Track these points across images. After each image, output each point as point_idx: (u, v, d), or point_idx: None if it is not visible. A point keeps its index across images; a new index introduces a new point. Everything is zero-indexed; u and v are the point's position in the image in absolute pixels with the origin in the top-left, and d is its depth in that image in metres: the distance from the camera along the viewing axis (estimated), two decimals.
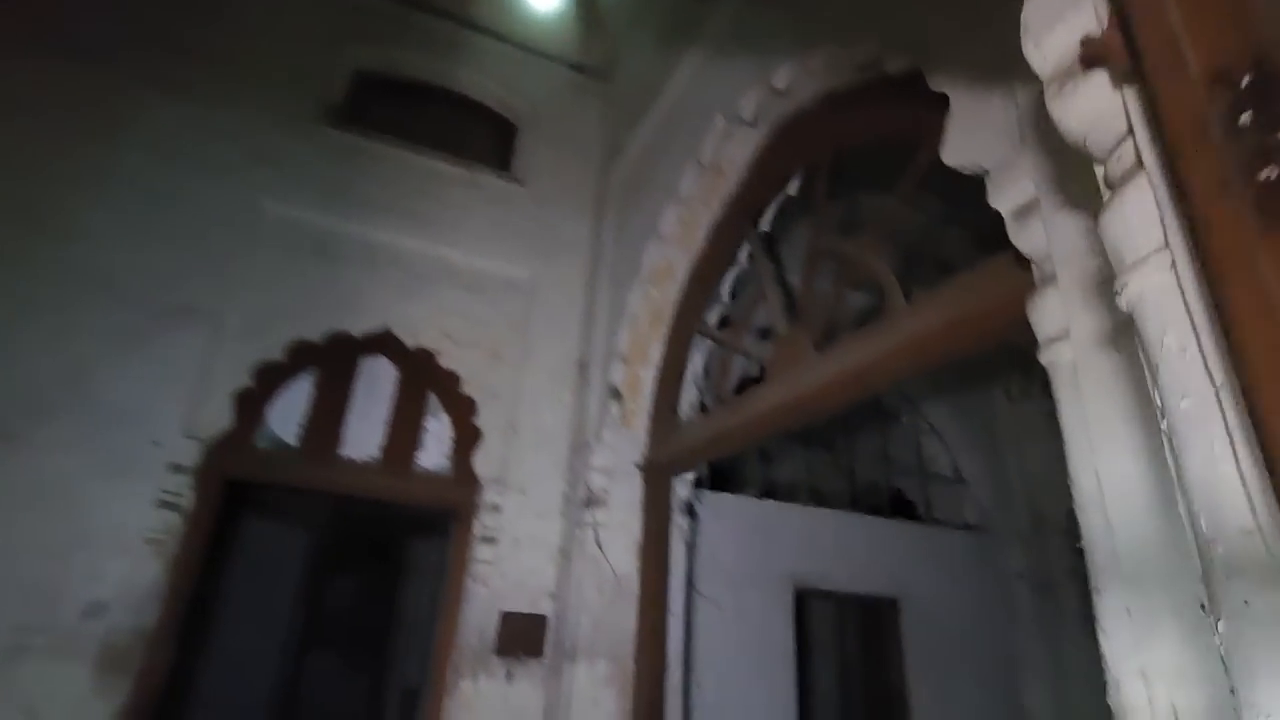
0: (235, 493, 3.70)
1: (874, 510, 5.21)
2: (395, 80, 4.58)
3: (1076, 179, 1.25)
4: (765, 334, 4.18)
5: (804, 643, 4.63)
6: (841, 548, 4.67)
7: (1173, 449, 0.63)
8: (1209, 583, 0.58)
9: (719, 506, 4.30)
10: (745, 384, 3.90)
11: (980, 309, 1.72)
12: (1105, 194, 0.77)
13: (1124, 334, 1.10)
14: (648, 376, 3.77)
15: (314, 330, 3.64)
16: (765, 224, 3.39)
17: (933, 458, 5.59)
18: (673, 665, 3.33)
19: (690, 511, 3.74)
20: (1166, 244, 0.63)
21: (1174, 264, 0.62)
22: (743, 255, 3.58)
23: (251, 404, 3.47)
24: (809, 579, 4.48)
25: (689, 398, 3.76)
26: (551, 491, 3.85)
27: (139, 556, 2.95)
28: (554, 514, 3.81)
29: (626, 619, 3.33)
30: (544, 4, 4.73)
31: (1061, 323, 1.26)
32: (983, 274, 1.79)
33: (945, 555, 5.04)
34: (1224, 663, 0.58)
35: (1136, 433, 1.04)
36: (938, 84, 1.73)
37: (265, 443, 3.56)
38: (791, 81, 2.63)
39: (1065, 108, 0.76)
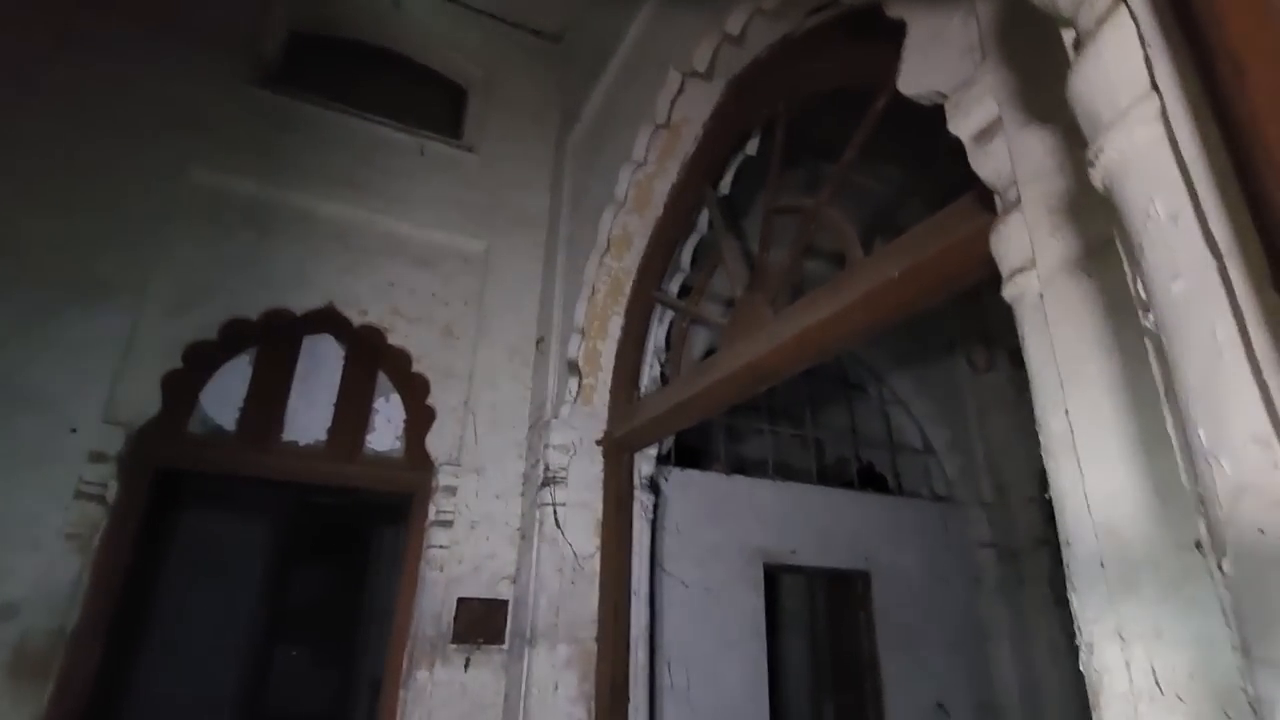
0: (172, 483, 3.48)
1: (844, 484, 5.16)
2: (334, 41, 4.32)
3: (1042, 88, 1.12)
4: (730, 303, 4.06)
5: (774, 618, 4.56)
6: (811, 522, 4.60)
7: (1159, 348, 0.50)
8: (1208, 510, 0.45)
9: (685, 483, 4.19)
10: (709, 356, 3.77)
11: (940, 252, 1.60)
12: (1074, 58, 0.63)
13: (1096, 256, 0.97)
14: (607, 350, 3.62)
15: (250, 307, 3.41)
16: (724, 186, 3.25)
17: (901, 430, 5.54)
18: (637, 646, 3.21)
19: (654, 488, 3.62)
20: (1154, 86, 0.50)
21: (1163, 110, 0.49)
22: (702, 221, 3.44)
23: (183, 387, 3.25)
24: (779, 554, 4.40)
25: (650, 371, 3.63)
26: (510, 471, 3.70)
27: (56, 552, 2.72)
28: (512, 495, 3.65)
29: (588, 600, 3.20)
30: None
31: (1026, 252, 1.14)
32: (942, 218, 1.66)
33: (914, 526, 5.00)
34: (1228, 613, 0.45)
35: (1113, 364, 0.92)
36: (895, 9, 1.58)
37: (200, 428, 3.34)
38: (746, 25, 2.48)
39: None
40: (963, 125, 1.31)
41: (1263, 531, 0.40)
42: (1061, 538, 1.02)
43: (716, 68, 2.83)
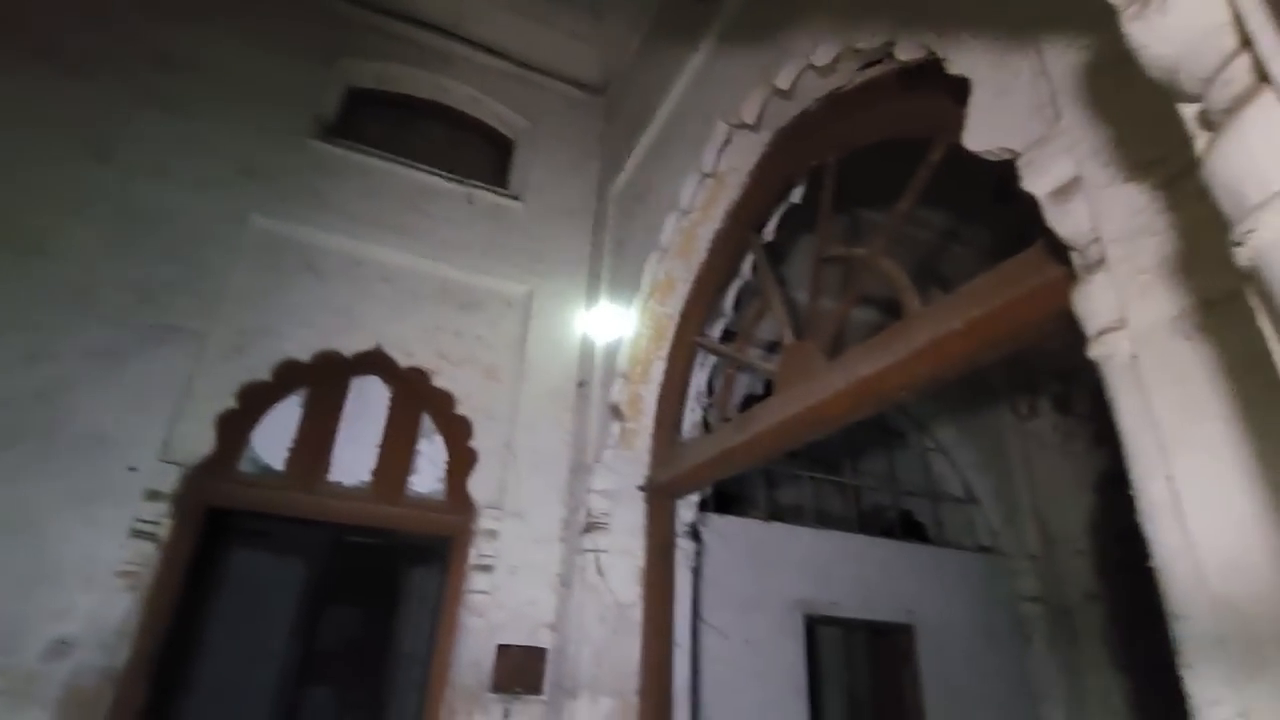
0: (219, 521, 3.53)
1: (882, 532, 5.03)
2: (389, 96, 4.52)
3: (1126, 149, 1.12)
4: (771, 347, 4.04)
5: (815, 671, 4.41)
6: (852, 571, 4.48)
7: None
8: None
9: (724, 530, 4.12)
10: (750, 401, 3.75)
11: (1008, 304, 1.58)
12: (1201, 138, 0.64)
13: (1201, 318, 0.96)
14: (649, 394, 3.62)
15: (302, 349, 3.50)
16: (769, 234, 3.28)
17: (942, 478, 5.42)
18: (679, 699, 3.12)
19: (695, 535, 3.57)
20: None
21: None
22: (745, 267, 3.46)
23: (235, 427, 3.32)
24: (819, 605, 4.28)
25: (692, 416, 3.61)
26: (550, 516, 3.68)
27: (109, 590, 2.76)
28: (553, 540, 3.63)
29: (630, 650, 3.13)
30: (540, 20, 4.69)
31: (1115, 311, 1.12)
32: (1009, 270, 1.65)
33: (958, 578, 4.84)
34: None
35: (1230, 429, 0.90)
36: (957, 65, 1.61)
37: (250, 468, 3.40)
38: (795, 80, 2.53)
39: (1150, 29, 0.64)
40: (1038, 183, 1.32)
41: None
42: (1170, 610, 0.98)
43: (764, 120, 2.89)
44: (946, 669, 4.50)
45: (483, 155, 4.65)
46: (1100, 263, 1.17)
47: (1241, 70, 0.57)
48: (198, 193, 3.51)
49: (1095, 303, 1.17)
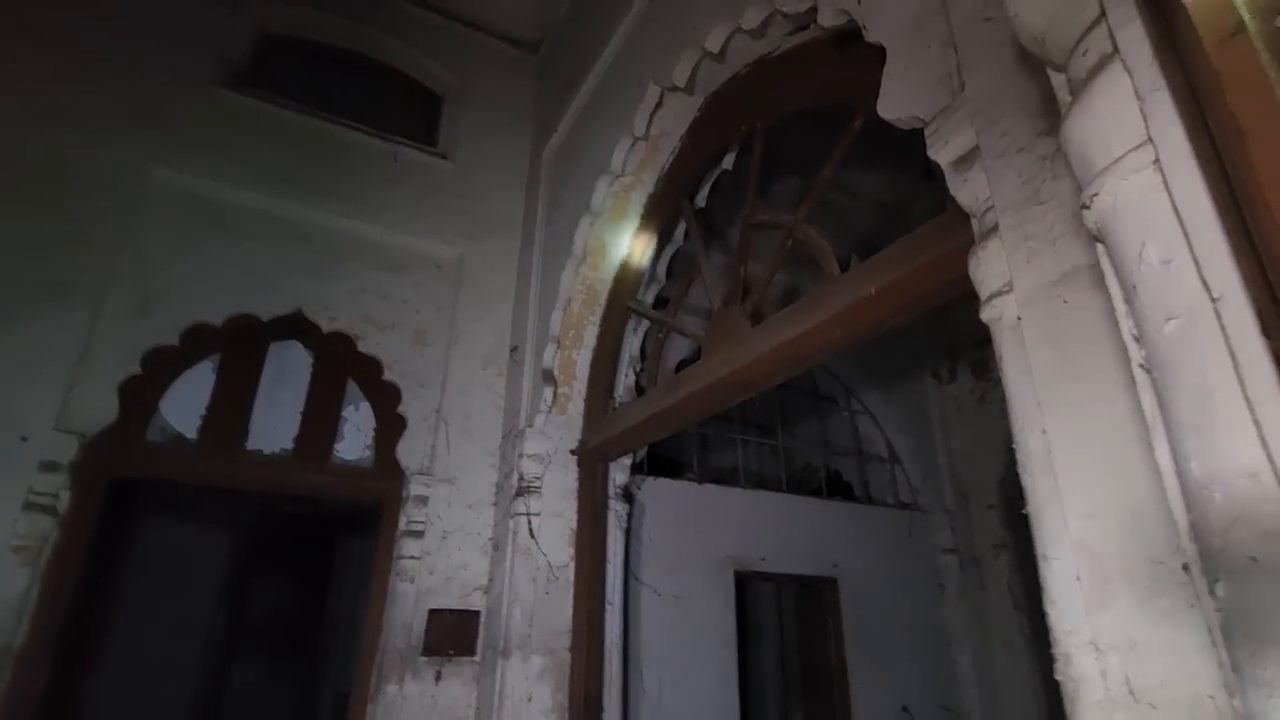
0: (131, 493, 3.36)
1: (813, 492, 5.24)
2: (306, 43, 4.24)
3: (1018, 121, 1.17)
4: (706, 315, 4.09)
5: (745, 626, 4.60)
6: (781, 529, 4.66)
7: (1154, 383, 0.53)
8: (1201, 538, 0.49)
9: (658, 492, 4.20)
10: (684, 366, 3.80)
11: (916, 270, 1.65)
12: (1065, 102, 0.67)
13: (1073, 281, 1.02)
14: (582, 360, 3.62)
15: (214, 313, 3.31)
16: (701, 200, 3.28)
17: (868, 440, 5.66)
18: (611, 655, 3.20)
19: (628, 497, 3.62)
20: (1148, 137, 0.53)
21: (1157, 159, 0.52)
22: (678, 232, 3.47)
23: (141, 394, 3.14)
24: (749, 562, 4.45)
25: (625, 381, 3.64)
26: (482, 481, 3.66)
27: (2, 566, 2.60)
28: (485, 504, 3.62)
29: (562, 610, 3.18)
30: None
31: (1003, 276, 1.18)
32: (919, 237, 1.72)
33: (880, 533, 5.11)
34: (1218, 634, 0.48)
35: (1089, 384, 0.97)
36: (874, 34, 1.63)
37: (159, 437, 3.23)
38: (726, 43, 2.52)
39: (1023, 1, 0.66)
40: (941, 152, 1.36)
41: (1254, 559, 0.43)
42: (1039, 552, 1.06)
43: (696, 83, 2.86)
44: (868, 618, 4.77)
45: (409, 111, 4.44)
46: (994, 229, 1.22)
47: (1100, 39, 0.60)
48: (89, 140, 3.23)
49: (988, 268, 1.23)
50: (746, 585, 5.10)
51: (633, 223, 3.48)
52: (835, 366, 5.47)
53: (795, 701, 5.31)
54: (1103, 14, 0.58)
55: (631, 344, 3.64)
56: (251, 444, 3.40)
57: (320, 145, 3.85)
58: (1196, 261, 0.48)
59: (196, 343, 3.28)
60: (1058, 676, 1.01)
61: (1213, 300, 0.46)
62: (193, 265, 3.32)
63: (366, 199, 3.86)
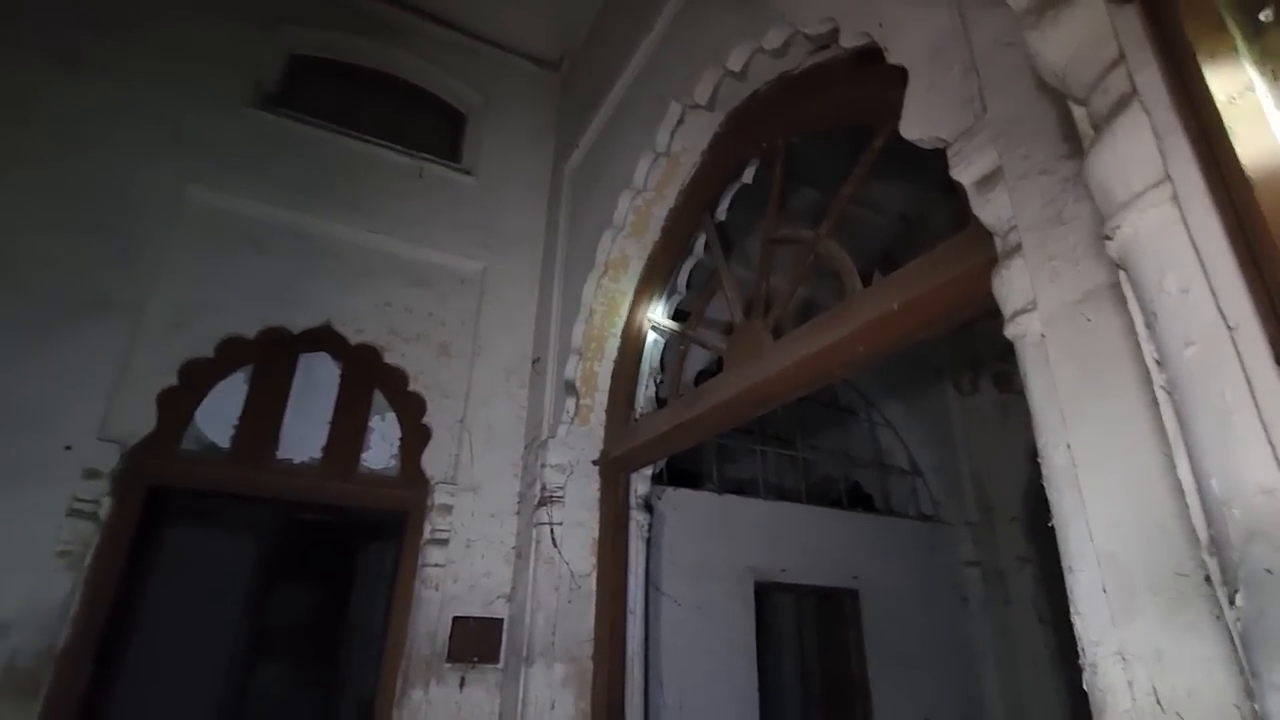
0: (164, 500, 3.45)
1: (833, 504, 5.23)
2: (335, 65, 4.37)
3: (1041, 144, 1.20)
4: (725, 329, 4.13)
5: (764, 636, 4.60)
6: (801, 540, 4.67)
7: (1175, 404, 0.57)
8: (1221, 551, 0.52)
9: (679, 502, 4.23)
10: (702, 378, 3.83)
11: (939, 287, 1.68)
12: (1088, 137, 0.70)
13: (1095, 300, 1.05)
14: (604, 371, 3.67)
15: (247, 326, 3.42)
16: (721, 213, 3.33)
17: (889, 452, 5.64)
18: (633, 664, 3.23)
19: (649, 508, 3.65)
20: (1167, 175, 0.57)
21: (1175, 195, 0.56)
22: (698, 245, 3.52)
23: (177, 405, 3.23)
24: (769, 572, 4.45)
25: (646, 392, 3.68)
26: (505, 491, 3.71)
27: (48, 570, 2.69)
28: (508, 514, 3.67)
29: (584, 619, 3.22)
30: None
31: (1027, 294, 1.21)
32: (941, 253, 1.75)
33: (901, 545, 5.08)
34: (1238, 641, 0.51)
35: (1112, 401, 1.00)
36: (896, 56, 1.67)
37: (194, 445, 3.32)
38: (747, 62, 2.57)
39: (1045, 38, 0.70)
40: (964, 172, 1.40)
41: (1270, 572, 0.46)
42: (1065, 563, 1.08)
43: (718, 100, 2.92)
44: (889, 630, 4.74)
45: (434, 128, 4.55)
46: (1017, 249, 1.26)
47: (1119, 80, 0.64)
48: (129, 161, 3.36)
49: (1011, 286, 1.26)
50: (766, 596, 5.11)
51: (653, 236, 3.54)
52: (855, 378, 5.47)
53: (815, 713, 5.28)
54: (1122, 56, 0.62)
55: (652, 356, 3.69)
56: (281, 453, 3.48)
57: (348, 162, 3.95)
58: (1214, 292, 0.51)
59: (230, 355, 3.37)
60: (1085, 687, 1.03)
61: (1229, 329, 0.50)
62: (227, 280, 3.42)
63: (393, 214, 3.95)
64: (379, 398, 3.79)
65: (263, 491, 3.48)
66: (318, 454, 3.56)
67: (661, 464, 4.04)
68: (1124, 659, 0.95)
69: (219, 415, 3.41)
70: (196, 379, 3.29)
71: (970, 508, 5.48)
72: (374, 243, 3.87)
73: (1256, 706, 0.47)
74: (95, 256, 3.14)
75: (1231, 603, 0.50)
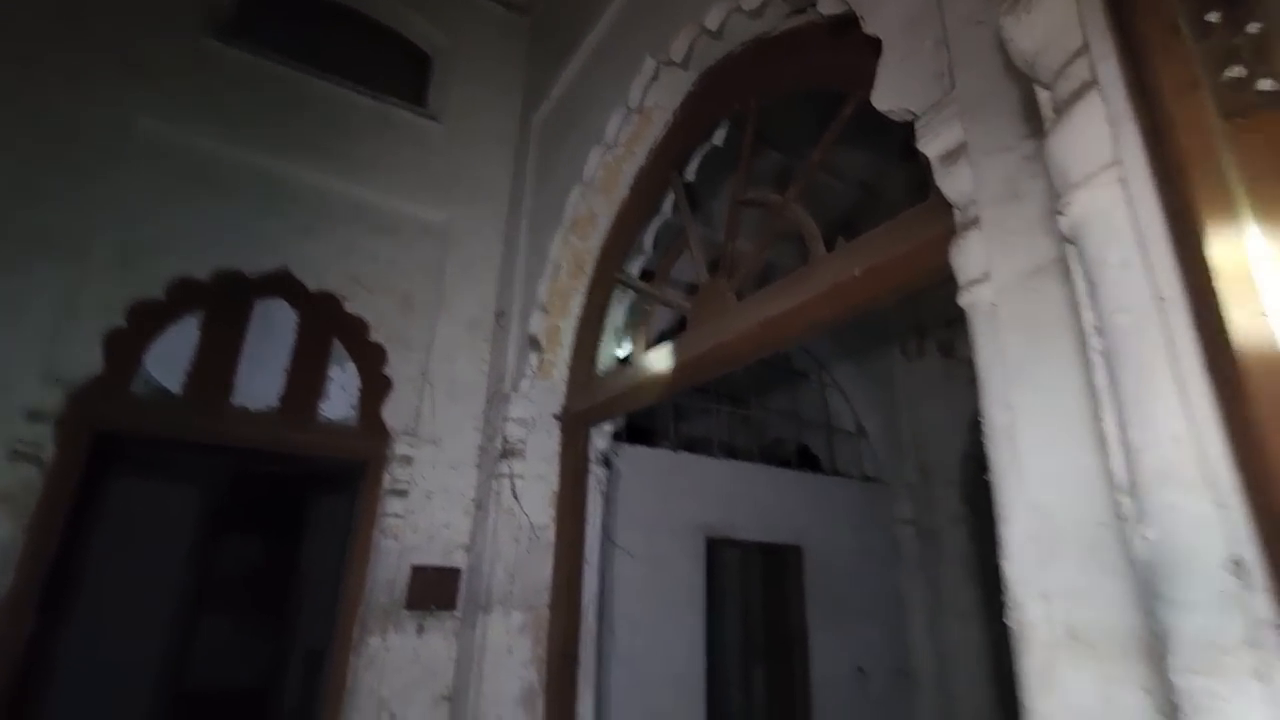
0: (112, 446, 3.36)
1: (782, 463, 5.43)
2: None
3: (1003, 122, 1.27)
4: (691, 289, 4.18)
5: (714, 590, 4.80)
6: (751, 498, 4.85)
7: (1107, 366, 0.64)
8: (1136, 491, 0.60)
9: (635, 458, 4.34)
10: (666, 337, 3.89)
11: (900, 255, 1.75)
12: (1049, 119, 0.76)
13: (1043, 274, 1.13)
14: (567, 327, 3.69)
15: (199, 268, 3.30)
16: (690, 173, 3.34)
17: (837, 414, 5.86)
18: (587, 612, 3.34)
19: (607, 462, 3.73)
20: (1117, 159, 0.63)
21: (1123, 178, 0.62)
22: (666, 205, 3.52)
23: (126, 346, 3.12)
24: (719, 528, 4.63)
25: (609, 349, 3.72)
26: (466, 443, 3.74)
27: None
28: (468, 466, 3.70)
29: (542, 569, 3.31)
30: None
31: (983, 265, 1.29)
32: (903, 222, 1.82)
33: (844, 505, 5.34)
34: (1145, 566, 0.60)
35: (1051, 366, 1.09)
36: (872, 26, 1.71)
37: (143, 390, 3.22)
38: (724, 21, 2.56)
39: (1020, 25, 0.75)
40: (930, 145, 1.46)
41: (1174, 507, 0.54)
42: (999, 514, 1.19)
43: (692, 58, 2.90)
44: (829, 585, 5.01)
45: (399, 70, 4.38)
46: (975, 222, 1.33)
47: (1082, 68, 0.70)
48: (71, 87, 3.15)
49: (968, 257, 1.34)
50: (716, 551, 5.31)
51: (622, 194, 3.53)
52: (809, 341, 5.62)
53: (758, 661, 5.57)
54: (1086, 46, 0.67)
55: (616, 314, 3.72)
56: (237, 400, 3.42)
57: (308, 102, 3.80)
58: (1149, 266, 0.58)
59: (182, 297, 3.26)
60: (1008, 621, 1.15)
61: (1160, 299, 0.57)
62: (178, 219, 3.28)
63: (355, 158, 3.83)
64: (339, 347, 3.73)
65: (217, 439, 3.41)
66: (275, 402, 3.51)
67: (622, 421, 4.12)
68: (1046, 597, 1.06)
69: (170, 360, 3.31)
70: (146, 321, 3.18)
71: (910, 469, 5.77)
72: (334, 187, 3.75)
73: (1154, 623, 0.56)
74: (36, 188, 2.97)
75: (1143, 537, 0.58)
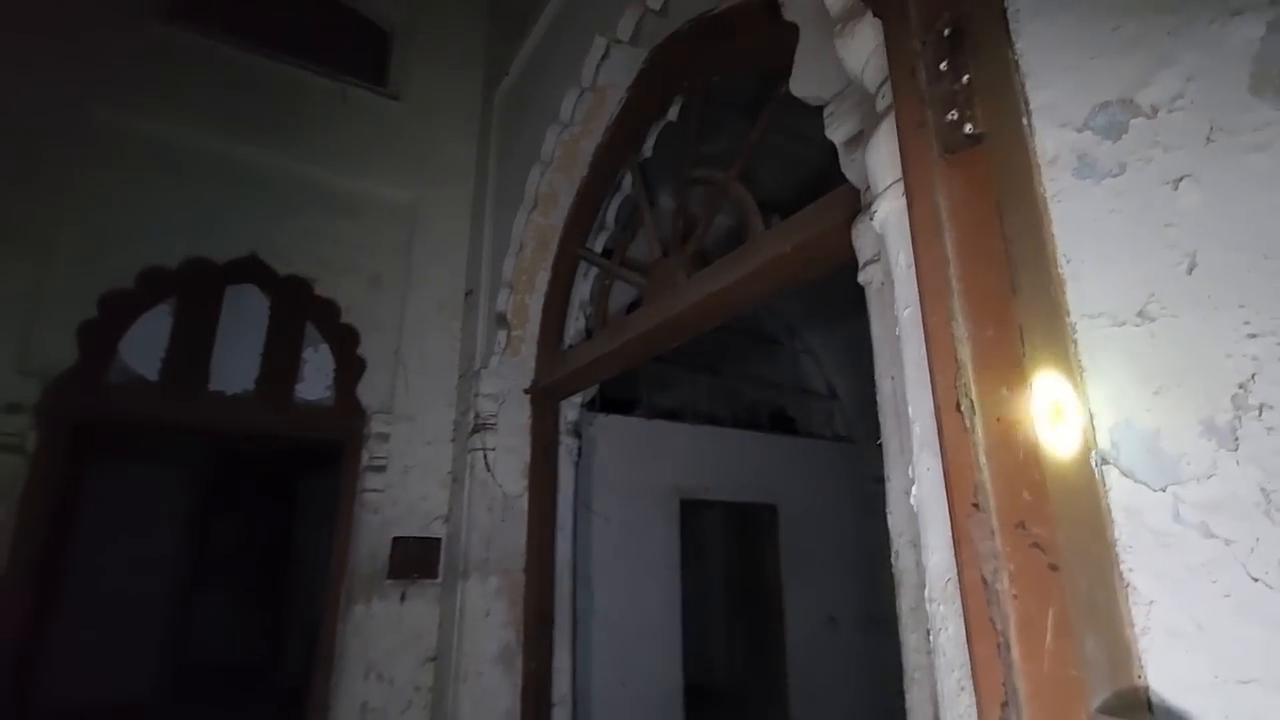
0: (94, 434, 3.46)
1: (757, 427, 5.60)
2: None
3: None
4: (645, 268, 4.26)
5: (692, 551, 5.01)
6: (725, 461, 5.02)
7: (901, 351, 0.76)
8: (912, 453, 0.73)
9: (610, 427, 4.48)
10: (631, 310, 3.99)
11: (821, 233, 1.86)
12: (871, 125, 0.87)
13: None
14: (534, 304, 3.78)
15: (168, 256, 3.36)
16: (647, 150, 3.40)
17: (809, 378, 6.02)
18: (561, 575, 3.52)
19: (577, 433, 3.87)
20: (901, 176, 0.74)
21: (905, 193, 0.73)
22: (627, 181, 3.59)
23: (100, 337, 3.21)
24: (694, 490, 4.80)
25: (575, 324, 3.82)
26: (441, 419, 3.86)
27: None
28: (444, 440, 3.83)
29: (517, 536, 3.47)
30: None
31: (875, 248, 1.40)
32: (825, 202, 1.92)
33: (817, 464, 5.52)
34: (917, 499, 0.73)
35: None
36: (789, 14, 1.78)
37: (121, 379, 3.31)
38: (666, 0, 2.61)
39: (846, 46, 0.85)
40: (835, 132, 1.55)
41: (929, 469, 0.67)
42: (886, 473, 1.33)
43: (641, 36, 2.95)
44: (802, 541, 5.23)
45: (357, 49, 4.37)
46: (869, 206, 1.44)
47: (887, 94, 0.80)
48: (22, 76, 3.16)
49: (864, 240, 1.45)
50: (694, 513, 5.50)
51: (582, 172, 3.59)
52: (779, 307, 5.75)
53: (735, 614, 5.82)
54: (889, 77, 0.77)
55: (582, 289, 3.81)
56: (213, 385, 3.51)
57: (266, 84, 3.80)
58: (919, 268, 0.70)
59: (153, 286, 3.33)
60: (893, 566, 1.29)
61: (919, 297, 0.69)
62: (143, 207, 3.33)
63: (317, 141, 3.86)
64: (312, 330, 3.82)
65: (196, 423, 3.53)
66: (251, 386, 3.60)
67: (594, 392, 4.25)
68: (915, 545, 1.21)
69: (145, 348, 3.39)
70: (118, 310, 3.25)
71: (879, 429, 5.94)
72: (298, 170, 3.79)
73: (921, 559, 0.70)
74: None
75: (914, 486, 0.71)
